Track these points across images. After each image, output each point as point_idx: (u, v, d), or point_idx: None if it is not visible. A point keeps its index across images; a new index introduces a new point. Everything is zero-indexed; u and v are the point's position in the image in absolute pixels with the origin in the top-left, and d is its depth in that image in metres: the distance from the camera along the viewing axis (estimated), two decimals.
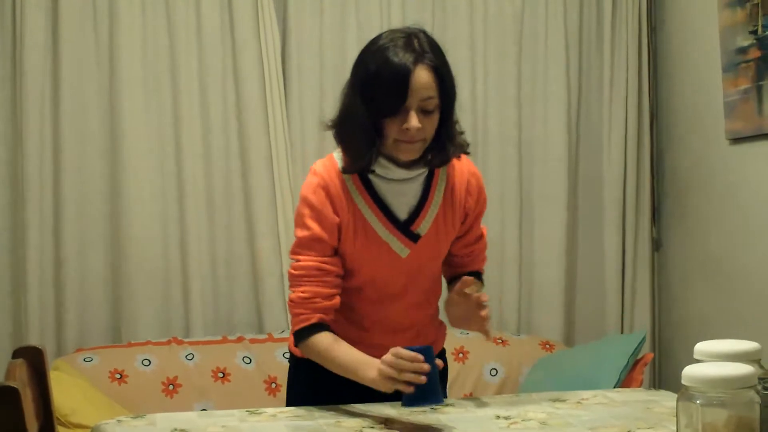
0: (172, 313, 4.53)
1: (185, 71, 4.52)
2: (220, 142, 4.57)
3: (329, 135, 4.71)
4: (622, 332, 4.86)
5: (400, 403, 2.40)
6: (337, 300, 2.51)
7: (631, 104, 4.85)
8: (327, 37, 4.67)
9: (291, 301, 2.51)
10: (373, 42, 2.46)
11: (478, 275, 2.74)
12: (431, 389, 2.21)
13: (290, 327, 2.56)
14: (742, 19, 4.03)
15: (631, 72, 4.85)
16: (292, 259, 2.55)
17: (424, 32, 2.46)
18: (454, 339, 4.15)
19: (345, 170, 2.50)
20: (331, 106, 4.57)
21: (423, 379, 2.19)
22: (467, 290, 2.49)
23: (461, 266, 2.73)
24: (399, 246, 2.53)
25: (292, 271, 2.52)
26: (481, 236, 2.73)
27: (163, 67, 4.51)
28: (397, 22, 4.69)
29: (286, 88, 4.64)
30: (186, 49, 4.52)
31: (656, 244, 4.95)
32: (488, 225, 4.66)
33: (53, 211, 4.38)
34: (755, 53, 3.96)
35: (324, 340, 2.46)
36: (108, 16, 4.43)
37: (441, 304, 2.71)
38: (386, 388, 2.26)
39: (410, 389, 2.20)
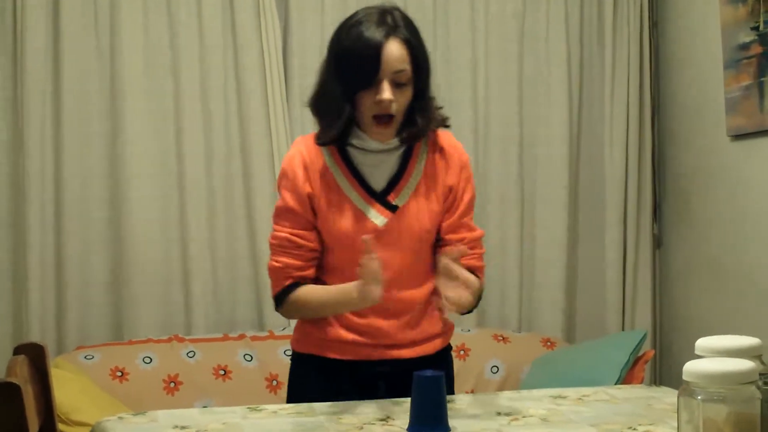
0: (173, 310, 4.53)
1: (187, 71, 4.52)
2: (221, 142, 4.57)
3: None
4: (623, 329, 4.86)
5: (401, 399, 2.40)
6: (310, 272, 2.57)
7: (633, 101, 4.85)
8: (328, 36, 4.62)
9: (268, 267, 2.61)
10: (348, 18, 2.52)
11: (474, 274, 2.61)
12: (438, 419, 2.20)
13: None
14: (743, 15, 4.03)
15: (633, 69, 4.85)
16: (273, 227, 2.62)
17: (399, 9, 2.52)
18: (455, 336, 4.10)
19: (317, 140, 2.56)
20: None
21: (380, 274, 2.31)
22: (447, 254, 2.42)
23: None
24: (375, 215, 2.54)
25: (270, 239, 2.61)
26: (472, 228, 2.66)
27: (164, 67, 4.51)
28: None
29: (287, 88, 4.64)
30: (187, 48, 4.52)
31: (657, 242, 4.95)
32: (489, 222, 4.73)
33: (54, 210, 4.38)
34: (757, 49, 3.96)
35: (299, 292, 2.55)
36: (109, 16, 4.43)
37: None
38: (373, 296, 2.35)
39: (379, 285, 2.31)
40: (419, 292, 2.65)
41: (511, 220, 4.82)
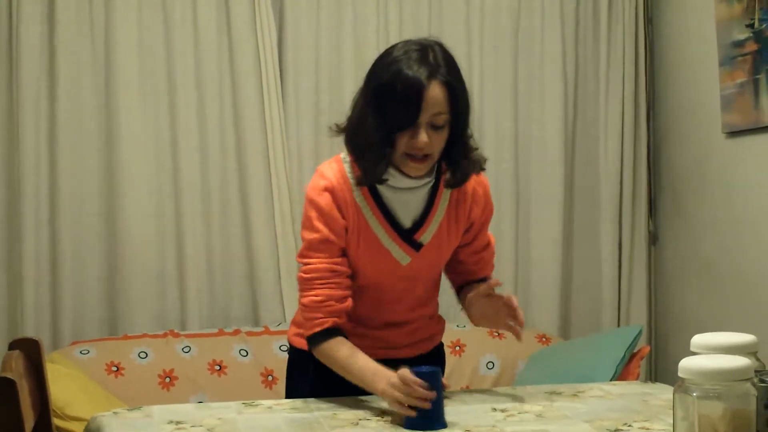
0: (168, 306, 4.53)
1: (182, 68, 4.51)
2: (216, 139, 4.57)
3: (325, 131, 4.71)
4: (618, 325, 4.86)
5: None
6: (349, 302, 2.48)
7: (628, 98, 4.85)
8: (323, 33, 4.67)
9: (304, 305, 2.48)
10: (388, 53, 2.43)
11: (482, 280, 2.70)
12: (435, 414, 2.20)
13: (303, 330, 2.54)
14: (738, 13, 4.03)
15: (628, 66, 4.85)
16: (301, 262, 2.51)
17: (440, 45, 2.43)
18: (450, 332, 4.14)
19: (359, 182, 2.47)
20: (327, 102, 4.62)
21: (428, 405, 2.18)
22: (495, 290, 2.50)
23: (470, 273, 2.70)
24: (400, 254, 2.52)
25: (303, 275, 2.49)
26: (488, 244, 2.70)
27: (159, 65, 4.50)
28: (393, 19, 4.69)
29: (282, 85, 4.63)
30: (182, 46, 4.51)
31: (653, 238, 4.96)
32: None
33: (49, 206, 4.37)
34: (752, 46, 3.96)
35: (341, 348, 2.44)
36: (104, 13, 4.42)
37: (445, 300, 2.75)
38: (392, 405, 2.26)
39: (412, 413, 2.20)
40: (427, 309, 2.71)
41: (507, 217, 4.82)
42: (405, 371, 2.22)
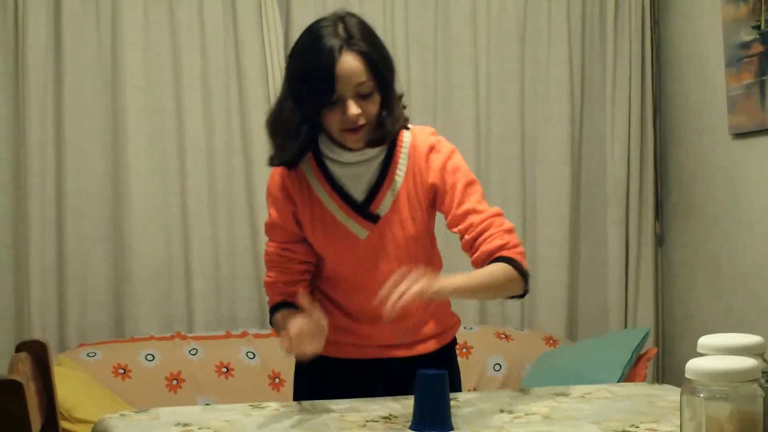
0: (174, 308, 4.54)
1: (188, 69, 4.52)
2: (222, 139, 4.58)
3: None
4: (625, 327, 4.86)
5: (404, 397, 2.40)
6: (298, 286, 2.55)
7: (634, 100, 4.85)
8: None
9: (263, 282, 2.65)
10: (302, 34, 2.44)
11: (501, 259, 2.43)
12: (442, 417, 2.20)
13: None
14: (745, 14, 4.03)
15: (634, 68, 4.85)
16: (266, 242, 2.65)
17: (351, 14, 2.46)
18: (457, 334, 4.14)
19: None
20: None
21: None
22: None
23: (473, 247, 2.50)
24: (356, 227, 2.51)
25: (264, 255, 2.64)
26: (478, 211, 2.50)
27: (165, 65, 4.51)
28: (400, 20, 4.69)
29: None
30: (189, 46, 4.52)
31: (659, 240, 4.95)
32: None
33: (56, 207, 4.39)
34: (758, 48, 3.96)
35: (276, 315, 2.56)
36: (110, 13, 4.44)
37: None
38: (288, 352, 2.34)
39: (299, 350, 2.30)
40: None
41: (513, 219, 4.80)
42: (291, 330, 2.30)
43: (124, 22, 4.43)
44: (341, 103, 2.36)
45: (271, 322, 2.61)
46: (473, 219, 2.48)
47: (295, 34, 4.58)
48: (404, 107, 2.56)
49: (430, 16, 4.75)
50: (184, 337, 4.36)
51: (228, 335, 4.42)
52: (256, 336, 4.40)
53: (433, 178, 2.52)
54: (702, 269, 4.58)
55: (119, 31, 4.44)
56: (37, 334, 4.26)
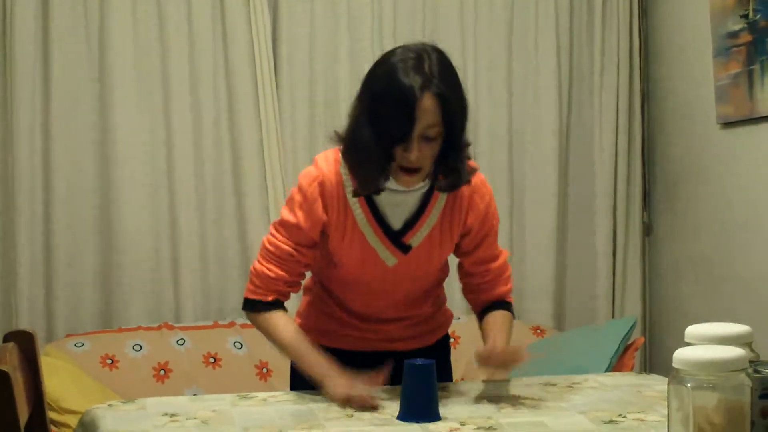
0: (162, 298, 4.53)
1: (176, 62, 4.51)
2: (211, 133, 4.57)
3: (320, 127, 4.72)
4: (613, 317, 4.87)
5: (391, 387, 2.40)
6: (296, 288, 2.57)
7: (622, 90, 4.85)
8: (318, 27, 4.66)
9: (255, 270, 2.55)
10: (384, 57, 2.40)
11: (504, 305, 2.68)
12: (429, 407, 2.20)
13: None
14: (732, 3, 4.03)
15: (622, 58, 4.85)
16: (271, 231, 2.56)
17: (437, 50, 2.38)
18: None
19: (355, 193, 2.46)
20: (322, 96, 4.62)
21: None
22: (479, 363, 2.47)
23: (482, 290, 2.67)
24: (386, 254, 2.51)
25: (267, 245, 2.55)
26: (496, 257, 2.66)
27: (154, 59, 4.50)
28: (388, 13, 4.69)
29: (277, 80, 4.63)
30: (177, 40, 4.51)
31: (647, 230, 4.96)
32: None
33: (44, 199, 4.38)
34: (746, 37, 3.96)
35: (288, 326, 2.52)
36: (98, 7, 4.42)
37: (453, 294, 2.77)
38: (333, 399, 2.35)
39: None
40: (425, 305, 2.69)
41: (502, 209, 4.78)
42: (360, 385, 2.31)
43: (112, 16, 4.41)
44: (406, 141, 2.32)
45: (249, 310, 2.56)
46: (491, 266, 2.67)
47: (283, 28, 4.63)
48: (470, 158, 2.53)
49: (418, 10, 4.74)
50: (171, 328, 4.35)
51: (215, 325, 4.41)
52: (243, 326, 4.39)
53: (472, 219, 2.57)
54: (689, 259, 4.59)
55: (107, 27, 4.42)
56: (24, 325, 4.25)
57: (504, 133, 4.84)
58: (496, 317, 2.63)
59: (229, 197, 4.59)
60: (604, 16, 4.86)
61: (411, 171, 2.38)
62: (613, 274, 4.90)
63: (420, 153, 2.33)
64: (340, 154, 2.49)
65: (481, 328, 2.67)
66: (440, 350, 2.76)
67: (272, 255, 2.53)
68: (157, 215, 4.51)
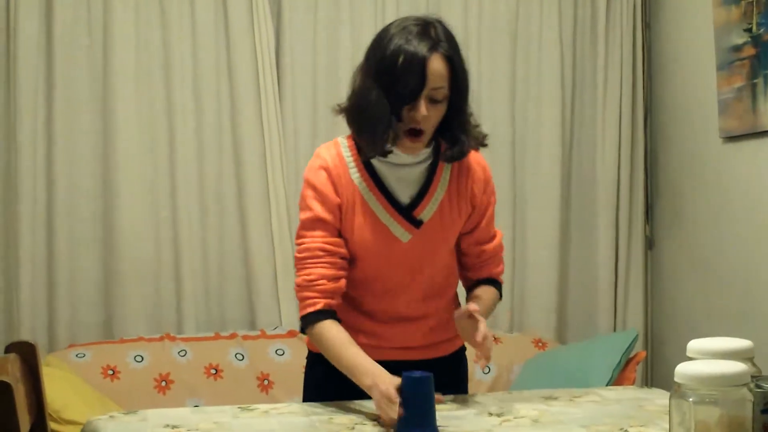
0: (164, 309, 4.52)
1: (179, 67, 4.52)
2: (213, 139, 4.57)
3: (322, 132, 4.71)
4: (614, 330, 4.86)
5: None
6: (342, 282, 2.49)
7: (625, 102, 4.86)
8: (321, 33, 4.67)
9: (297, 285, 2.49)
10: (386, 29, 2.45)
11: (494, 282, 2.69)
12: (426, 420, 2.19)
13: (298, 312, 2.53)
14: (736, 17, 4.03)
15: (626, 70, 4.85)
16: (296, 243, 2.53)
17: (441, 21, 2.46)
18: None
19: (365, 158, 2.48)
20: (324, 101, 4.60)
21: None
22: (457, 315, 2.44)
23: (475, 268, 2.69)
24: (400, 230, 2.51)
25: (297, 255, 2.51)
26: (493, 237, 2.68)
27: (156, 63, 4.50)
28: (391, 19, 4.66)
29: (280, 86, 4.64)
30: (180, 45, 4.51)
31: (649, 243, 4.95)
32: None
33: (46, 208, 4.38)
34: (750, 51, 3.96)
35: (338, 334, 2.44)
36: (102, 13, 4.43)
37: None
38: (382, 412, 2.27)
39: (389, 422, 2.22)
40: (440, 302, 2.66)
41: (503, 221, 4.81)
42: (392, 390, 2.22)
43: (116, 21, 4.42)
44: (414, 102, 2.37)
45: (306, 325, 2.48)
46: (486, 246, 2.66)
47: (286, 33, 4.63)
48: (477, 125, 2.56)
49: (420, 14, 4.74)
50: (173, 339, 4.35)
51: (217, 337, 4.41)
52: (245, 338, 4.39)
53: (477, 191, 2.59)
54: (692, 272, 4.59)
55: (110, 30, 4.42)
56: (26, 335, 4.25)
57: (506, 145, 4.84)
58: (482, 291, 2.64)
59: (231, 206, 4.59)
60: (608, 28, 4.87)
61: (416, 134, 2.41)
62: (615, 287, 4.90)
63: (427, 114, 2.36)
64: (338, 144, 2.54)
65: (468, 299, 2.67)
66: (457, 361, 2.74)
67: (306, 260, 2.48)
68: (158, 226, 4.51)
